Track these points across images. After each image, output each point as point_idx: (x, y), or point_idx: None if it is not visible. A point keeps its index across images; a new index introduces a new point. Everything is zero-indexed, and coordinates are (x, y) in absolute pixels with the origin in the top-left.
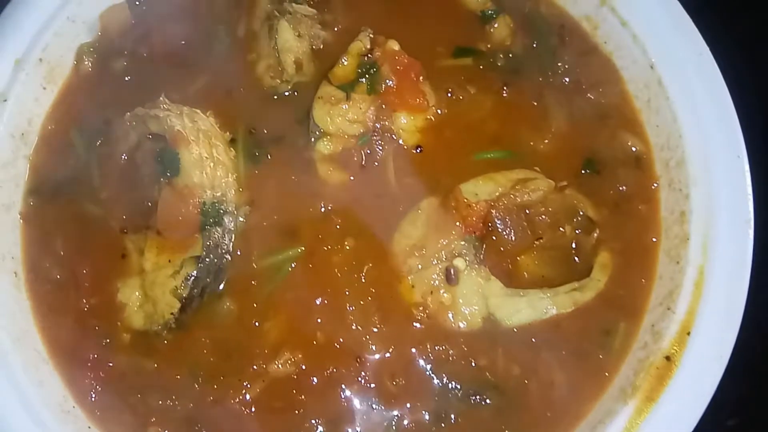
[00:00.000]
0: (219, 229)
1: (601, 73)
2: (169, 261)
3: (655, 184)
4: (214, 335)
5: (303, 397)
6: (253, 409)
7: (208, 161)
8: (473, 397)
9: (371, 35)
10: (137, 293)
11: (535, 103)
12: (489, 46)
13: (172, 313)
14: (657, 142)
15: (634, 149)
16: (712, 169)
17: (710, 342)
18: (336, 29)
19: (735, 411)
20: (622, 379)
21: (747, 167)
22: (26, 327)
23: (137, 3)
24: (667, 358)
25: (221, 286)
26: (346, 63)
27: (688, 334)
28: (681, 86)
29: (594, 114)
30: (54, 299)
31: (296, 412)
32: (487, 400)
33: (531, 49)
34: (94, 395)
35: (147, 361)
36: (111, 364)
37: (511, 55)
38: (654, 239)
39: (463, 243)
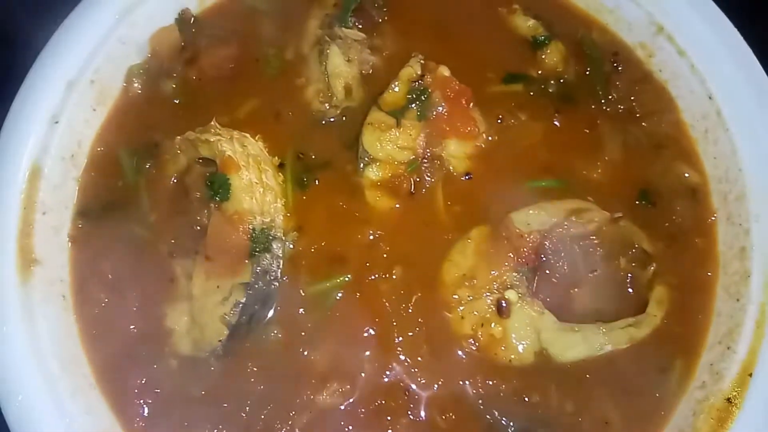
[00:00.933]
0: (268, 256)
1: (656, 102)
2: (218, 287)
3: (713, 217)
4: (261, 363)
5: (350, 428)
6: None
7: (257, 186)
8: None
9: (422, 61)
10: (185, 318)
11: (588, 131)
12: (540, 72)
13: (219, 340)
14: (714, 174)
15: (690, 180)
16: None
17: None
18: (385, 54)
19: None
20: (680, 420)
21: None
22: (75, 351)
23: (188, 26)
24: (728, 400)
25: (269, 314)
26: (396, 89)
27: (750, 375)
28: (741, 118)
29: (648, 143)
30: (102, 323)
31: None
32: None
33: (583, 76)
34: (140, 422)
35: (194, 387)
36: (158, 391)
37: (562, 82)
38: (710, 274)
39: (515, 274)
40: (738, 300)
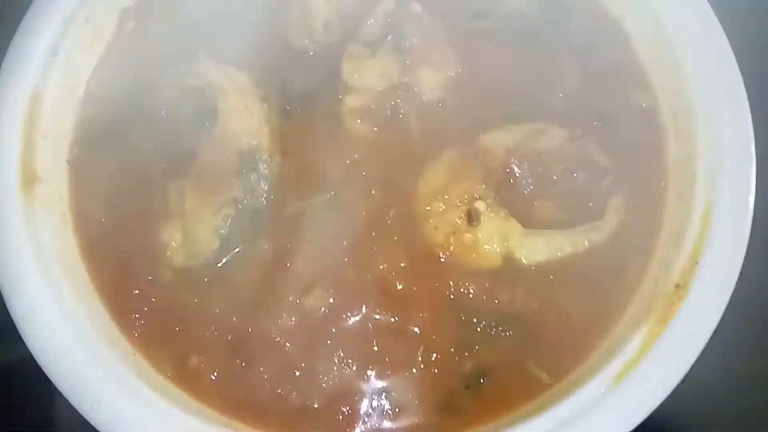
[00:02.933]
0: (255, 174)
1: (610, 35)
2: (209, 203)
3: (664, 134)
4: (250, 274)
5: (333, 329)
6: (288, 340)
7: (244, 111)
8: (494, 329)
9: None
10: (179, 233)
11: (549, 62)
12: (505, 10)
13: (211, 251)
14: (664, 96)
15: (643, 104)
16: (716, 115)
17: (717, 269)
18: None
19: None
20: (636, 307)
21: (748, 112)
22: (76, 264)
23: None
24: (677, 286)
25: (257, 229)
26: (372, 23)
27: (696, 263)
28: (686, 43)
29: (604, 72)
30: (100, 240)
31: (328, 342)
32: (509, 332)
33: (544, 13)
34: (138, 327)
35: (188, 296)
36: (154, 300)
37: (525, 19)
38: (663, 184)
39: (483, 187)
40: (686, 203)
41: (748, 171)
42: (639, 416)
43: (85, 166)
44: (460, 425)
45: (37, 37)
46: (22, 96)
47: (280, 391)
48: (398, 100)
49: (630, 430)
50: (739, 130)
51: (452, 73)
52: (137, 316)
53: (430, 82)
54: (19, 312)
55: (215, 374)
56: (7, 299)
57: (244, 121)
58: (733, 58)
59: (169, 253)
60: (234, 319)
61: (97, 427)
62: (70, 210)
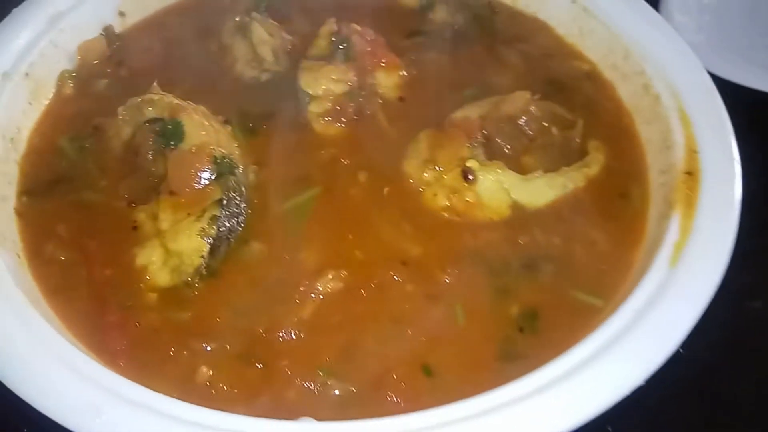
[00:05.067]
0: (233, 178)
1: (534, 27)
2: (188, 214)
3: (613, 84)
4: (248, 275)
5: (358, 305)
6: (308, 329)
7: (209, 126)
8: (526, 269)
9: (335, 23)
10: (158, 252)
11: (488, 55)
12: (434, 28)
13: (202, 256)
14: (600, 53)
15: (585, 68)
16: (649, 43)
17: (716, 145)
18: (300, 34)
19: None
20: (657, 207)
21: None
22: (41, 305)
23: (113, 38)
24: (688, 173)
25: (243, 229)
26: (319, 42)
27: (695, 152)
28: (604, 5)
29: (539, 53)
30: (63, 278)
31: (354, 323)
32: (542, 269)
33: (471, 22)
34: (124, 358)
35: (180, 313)
36: (138, 324)
37: (456, 28)
38: (626, 120)
39: (470, 145)
40: (659, 118)
41: (693, 59)
42: (710, 284)
43: (35, 214)
44: (529, 369)
45: None
46: None
47: (310, 384)
48: (360, 100)
49: (706, 301)
50: (674, 42)
51: (404, 73)
52: (120, 347)
53: (387, 82)
54: None
55: (230, 383)
56: None
57: (212, 135)
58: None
59: (148, 276)
60: (240, 322)
61: None
62: (24, 254)
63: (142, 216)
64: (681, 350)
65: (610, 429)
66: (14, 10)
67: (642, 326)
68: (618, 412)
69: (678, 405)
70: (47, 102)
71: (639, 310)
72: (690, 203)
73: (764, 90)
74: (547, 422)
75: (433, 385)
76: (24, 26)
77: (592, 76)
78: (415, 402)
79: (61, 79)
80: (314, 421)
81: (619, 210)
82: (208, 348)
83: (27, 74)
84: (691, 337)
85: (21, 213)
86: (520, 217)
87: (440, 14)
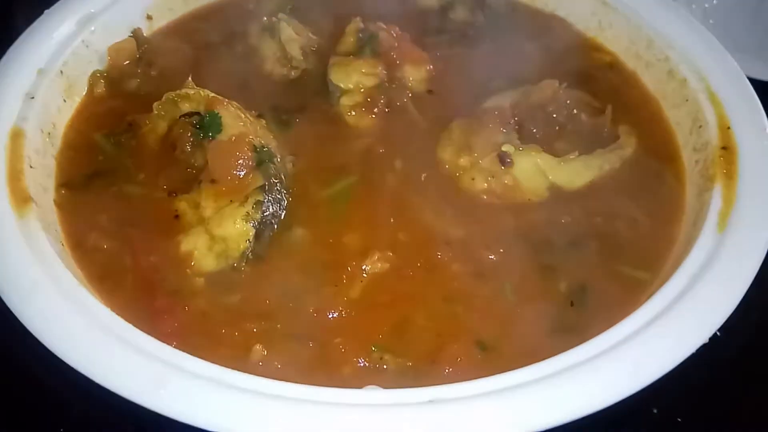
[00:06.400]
0: (273, 166)
1: (553, 23)
2: (231, 201)
3: (636, 72)
4: (294, 259)
5: (407, 284)
6: (359, 309)
7: (245, 119)
8: (571, 246)
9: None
10: (203, 238)
11: (511, 50)
12: (456, 26)
13: (248, 240)
14: (621, 44)
15: (605, 60)
16: (672, 31)
17: (748, 122)
18: (325, 35)
19: None
20: (695, 183)
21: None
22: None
23: (142, 40)
24: (724, 148)
25: (284, 216)
26: (348, 39)
27: (729, 128)
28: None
29: (560, 47)
30: (107, 266)
31: (404, 301)
32: (587, 246)
33: (491, 18)
34: (176, 339)
35: (229, 296)
36: (187, 308)
37: (477, 25)
38: (655, 107)
39: (503, 131)
40: (687, 100)
41: (715, 42)
42: (762, 244)
43: (75, 206)
44: (582, 341)
45: (13, 82)
46: (2, 126)
47: (365, 361)
48: (390, 93)
49: (760, 260)
50: (694, 27)
51: (431, 67)
52: (171, 330)
53: (415, 76)
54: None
55: (284, 361)
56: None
57: (249, 126)
58: None
59: (193, 263)
60: (291, 304)
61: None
62: (67, 243)
63: (183, 205)
64: (718, 333)
65: (655, 411)
66: (46, 11)
67: (696, 292)
68: (663, 394)
69: (720, 389)
70: (80, 100)
71: (692, 276)
72: (731, 175)
73: None
74: (598, 392)
75: (489, 359)
76: (56, 26)
77: (615, 66)
78: (473, 375)
79: (93, 78)
80: (380, 389)
81: (656, 188)
82: (259, 328)
83: (61, 72)
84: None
85: (60, 205)
86: (559, 198)
87: (460, 13)
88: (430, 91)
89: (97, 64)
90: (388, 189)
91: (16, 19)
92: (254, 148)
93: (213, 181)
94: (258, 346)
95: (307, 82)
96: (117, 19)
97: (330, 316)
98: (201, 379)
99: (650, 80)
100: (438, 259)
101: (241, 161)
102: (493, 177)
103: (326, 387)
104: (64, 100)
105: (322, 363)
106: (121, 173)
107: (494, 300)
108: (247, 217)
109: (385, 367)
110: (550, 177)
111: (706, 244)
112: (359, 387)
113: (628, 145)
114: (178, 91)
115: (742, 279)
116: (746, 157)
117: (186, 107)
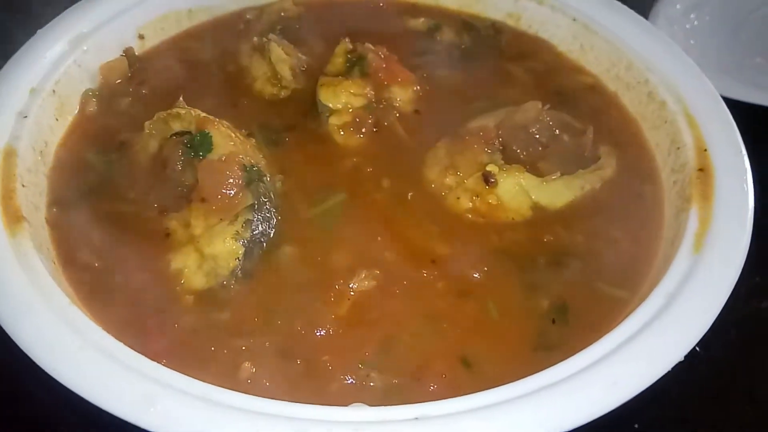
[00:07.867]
0: (262, 185)
1: (536, 45)
2: (221, 219)
3: (617, 94)
4: (283, 277)
5: (393, 302)
6: (346, 326)
7: (236, 138)
8: (553, 265)
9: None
10: (193, 257)
11: (496, 71)
12: (443, 47)
13: (237, 259)
14: (602, 66)
15: (586, 82)
16: (650, 53)
17: (724, 144)
18: (315, 53)
19: None
20: (673, 204)
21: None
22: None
23: (133, 59)
24: (700, 169)
25: (273, 235)
26: (336, 59)
27: (705, 150)
28: (600, 20)
29: (543, 69)
30: (98, 284)
31: (390, 319)
32: (568, 264)
33: (476, 41)
34: (166, 357)
35: (218, 314)
36: (176, 325)
37: (463, 47)
38: (634, 128)
39: (488, 151)
40: (665, 122)
41: (692, 65)
42: (736, 266)
43: (66, 224)
44: (564, 357)
45: (6, 101)
46: None
47: (352, 378)
48: (378, 113)
49: (733, 282)
50: (673, 51)
51: (418, 88)
52: (161, 347)
53: (402, 96)
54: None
55: (273, 379)
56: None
57: (239, 145)
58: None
59: (183, 281)
60: (279, 322)
61: None
62: (58, 260)
63: (173, 223)
64: (698, 349)
65: (637, 426)
66: (39, 31)
67: (673, 310)
68: (645, 409)
69: (701, 403)
70: (72, 118)
71: (669, 295)
72: (706, 196)
73: (755, 102)
74: (582, 407)
75: (474, 376)
76: (49, 46)
77: (596, 88)
78: (457, 392)
79: (85, 97)
80: (366, 406)
81: (635, 208)
82: (248, 345)
83: (54, 91)
84: (707, 337)
85: (52, 223)
86: (541, 217)
87: (447, 35)
88: (417, 111)
89: (88, 83)
90: (375, 207)
91: (8, 38)
92: (244, 168)
93: (203, 200)
94: (247, 364)
95: (296, 101)
96: (109, 38)
97: (318, 334)
98: (190, 396)
99: (630, 102)
100: (423, 277)
101: (231, 180)
102: (477, 196)
103: (314, 404)
104: (56, 119)
105: (310, 380)
106: (112, 191)
107: (479, 317)
108: (236, 236)
109: (371, 384)
110: (533, 197)
111: (682, 264)
112: (346, 404)
113: (608, 166)
114: (169, 111)
115: (717, 298)
116: (722, 178)
117: (177, 126)
